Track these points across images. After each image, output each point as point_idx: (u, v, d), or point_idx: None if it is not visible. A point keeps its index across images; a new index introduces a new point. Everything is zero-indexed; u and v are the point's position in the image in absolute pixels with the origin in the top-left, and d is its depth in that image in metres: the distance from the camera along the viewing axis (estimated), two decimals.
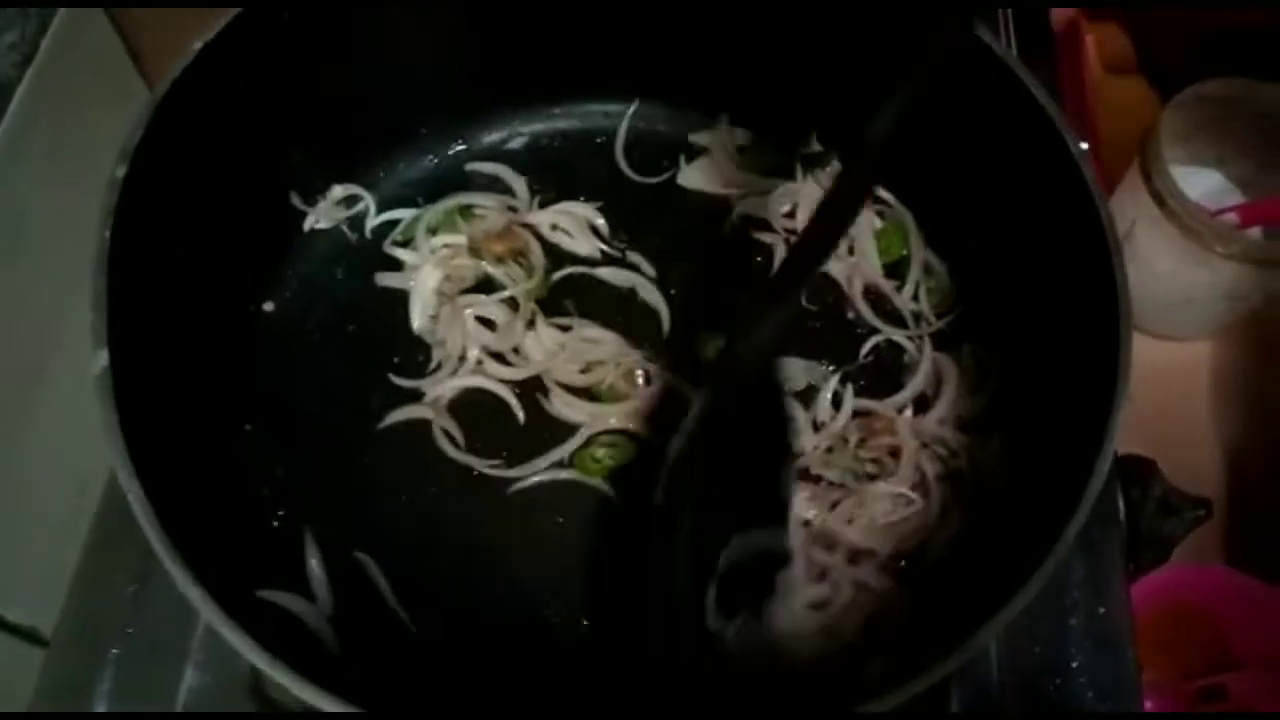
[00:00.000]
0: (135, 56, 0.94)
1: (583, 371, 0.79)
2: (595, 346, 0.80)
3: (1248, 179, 1.03)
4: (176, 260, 0.69)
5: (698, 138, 0.89)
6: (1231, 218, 0.97)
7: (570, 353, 0.79)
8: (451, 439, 0.77)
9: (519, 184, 0.87)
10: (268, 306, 0.82)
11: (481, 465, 0.76)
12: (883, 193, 0.85)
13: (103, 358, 0.58)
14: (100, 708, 0.71)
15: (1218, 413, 1.02)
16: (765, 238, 0.86)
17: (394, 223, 0.86)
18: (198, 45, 0.67)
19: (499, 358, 0.80)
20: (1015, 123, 0.70)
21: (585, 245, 0.85)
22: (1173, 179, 0.91)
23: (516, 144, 0.90)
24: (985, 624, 0.51)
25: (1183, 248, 0.93)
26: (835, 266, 0.83)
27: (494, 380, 0.79)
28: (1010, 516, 0.66)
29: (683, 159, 0.89)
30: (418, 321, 0.81)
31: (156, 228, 0.66)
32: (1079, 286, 0.65)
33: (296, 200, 0.84)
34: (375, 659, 0.70)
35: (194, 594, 0.55)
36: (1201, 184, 1.03)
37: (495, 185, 0.88)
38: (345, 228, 0.85)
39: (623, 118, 0.89)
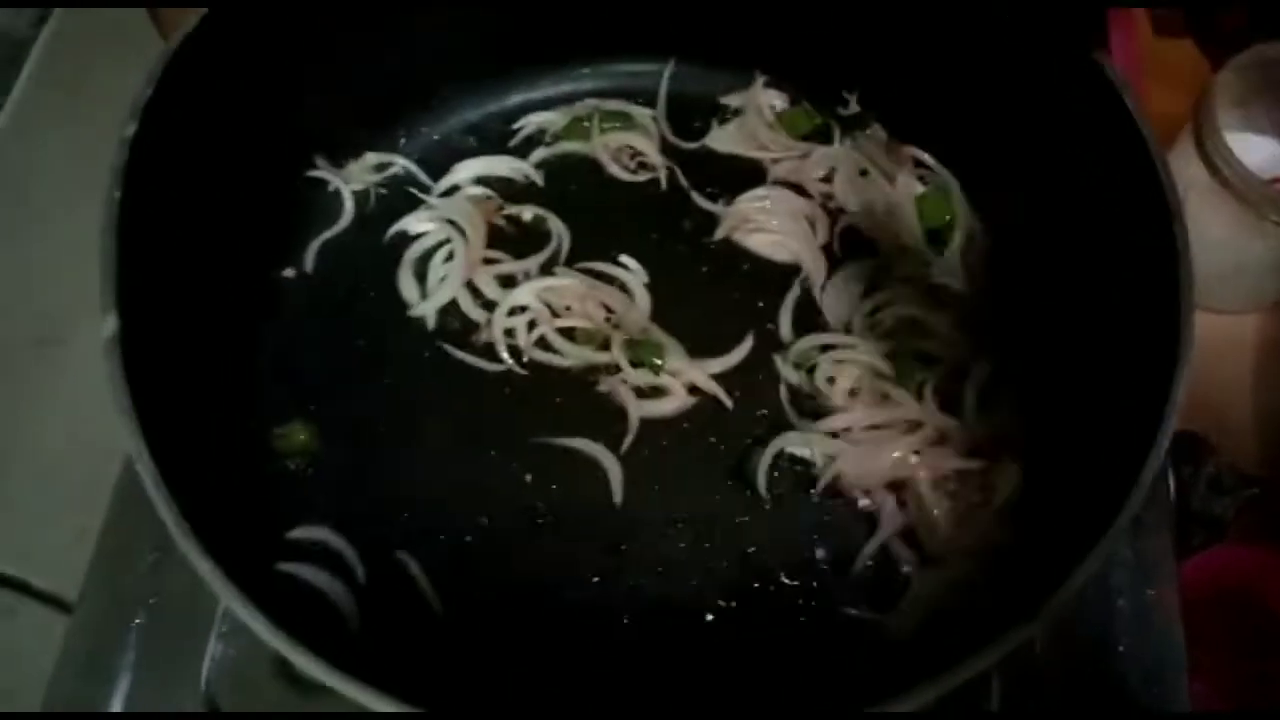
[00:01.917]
0: (153, 14, 0.92)
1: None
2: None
3: None
4: (191, 223, 0.68)
5: (730, 99, 0.86)
6: None
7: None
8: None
9: None
10: (288, 273, 0.80)
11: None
12: (925, 155, 0.83)
13: (112, 322, 0.56)
14: (123, 679, 0.70)
15: (1272, 388, 0.98)
16: (802, 205, 0.83)
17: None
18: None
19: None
20: (1068, 84, 0.67)
21: None
22: (1227, 146, 0.87)
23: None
24: (1032, 616, 0.49)
25: (1236, 217, 0.89)
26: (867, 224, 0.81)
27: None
28: (1062, 501, 0.63)
29: (714, 121, 0.86)
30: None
31: (169, 189, 0.64)
32: (1135, 255, 0.63)
33: (323, 164, 0.82)
34: (398, 638, 0.69)
35: (205, 568, 0.53)
36: (1257, 151, 0.98)
37: None
38: (372, 193, 0.84)
39: (659, 78, 0.87)
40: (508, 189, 0.84)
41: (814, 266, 0.80)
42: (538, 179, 0.85)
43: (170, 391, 0.60)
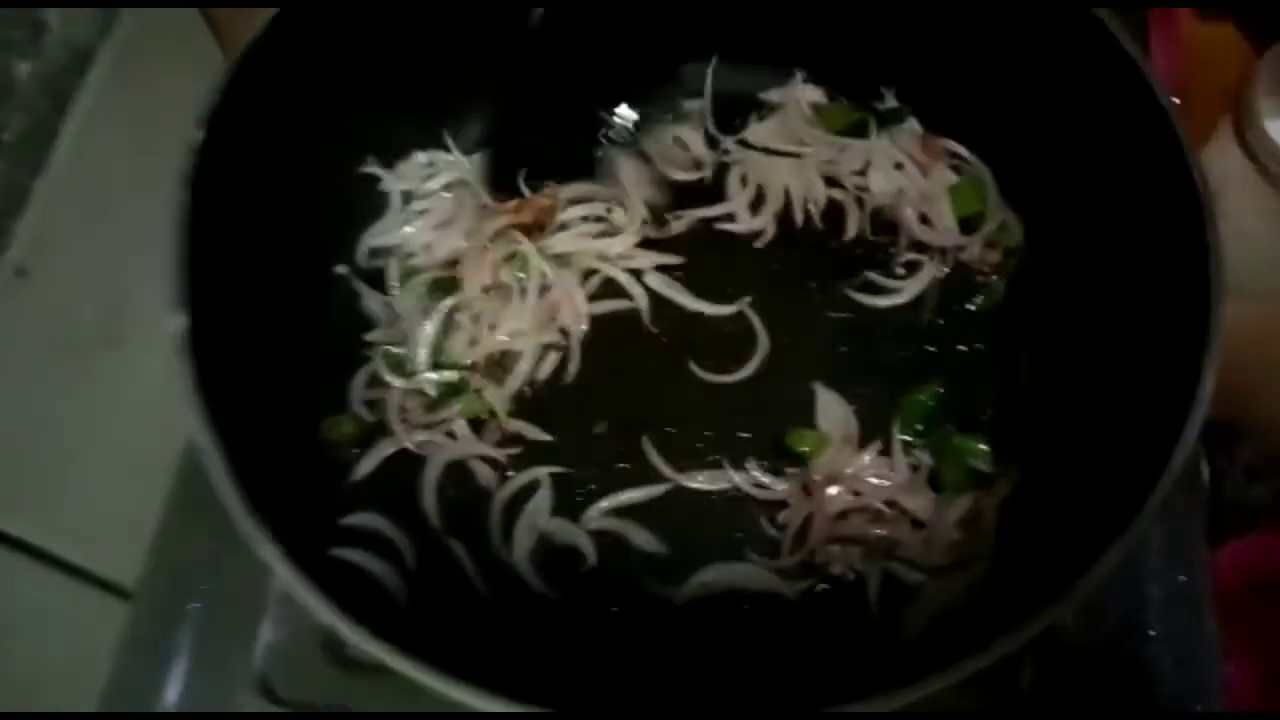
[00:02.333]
0: (211, 21, 0.95)
1: None
2: None
3: None
4: (250, 224, 0.70)
5: (769, 95, 0.88)
6: None
7: None
8: None
9: None
10: (340, 269, 0.83)
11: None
12: (959, 147, 0.83)
13: (180, 320, 0.59)
14: (180, 663, 0.73)
15: None
16: (835, 195, 0.84)
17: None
18: (272, 11, 0.67)
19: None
20: (1101, 75, 0.68)
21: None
22: (1268, 134, 0.87)
23: None
24: (1063, 596, 0.50)
25: (1274, 206, 0.89)
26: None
27: None
28: (1093, 484, 0.64)
29: (753, 118, 0.87)
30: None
31: (232, 192, 0.67)
32: (1166, 247, 0.63)
33: (374, 165, 0.84)
34: (447, 622, 0.71)
35: (269, 553, 0.56)
36: None
37: None
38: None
39: (701, 76, 0.88)
40: None
41: None
42: None
43: (232, 385, 0.63)
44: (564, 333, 0.80)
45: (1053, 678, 0.69)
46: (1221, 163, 0.91)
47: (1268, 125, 0.87)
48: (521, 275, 0.79)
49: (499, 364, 0.78)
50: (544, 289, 0.79)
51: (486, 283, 0.79)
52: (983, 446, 0.73)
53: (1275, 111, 0.92)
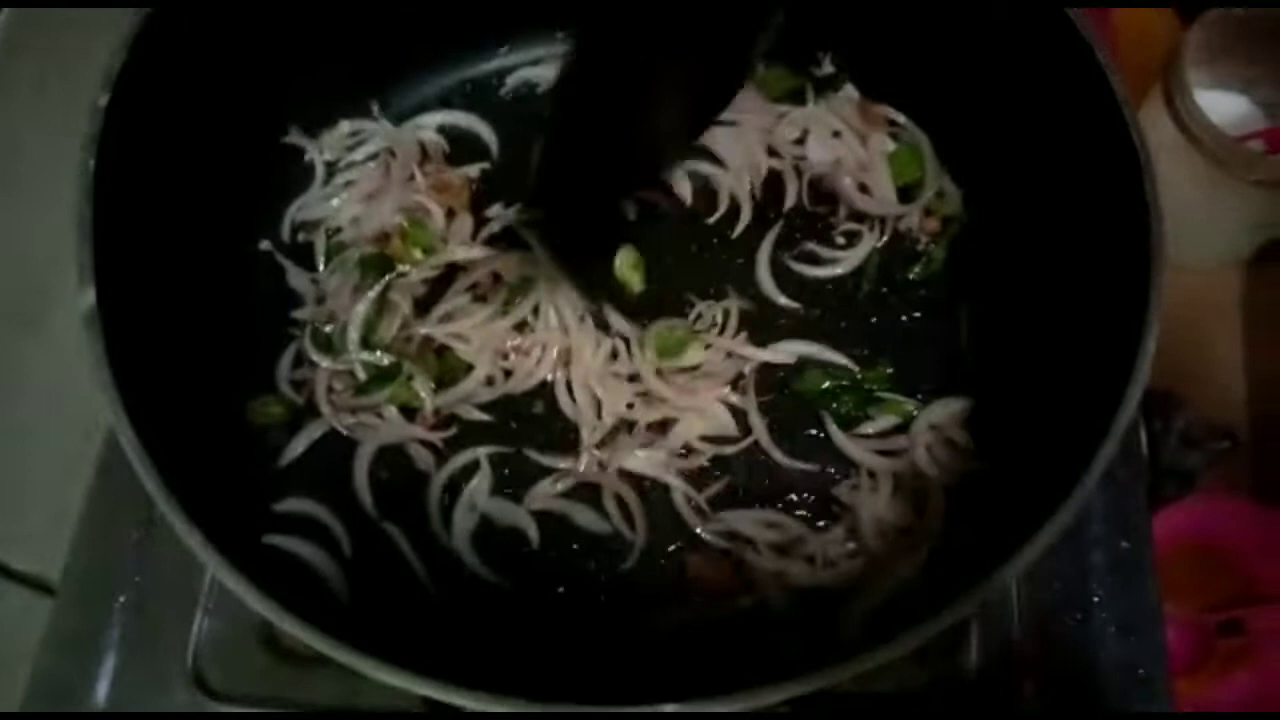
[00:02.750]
0: None
1: None
2: None
3: (1273, 102, 0.99)
4: (166, 193, 0.67)
5: None
6: (1258, 143, 0.94)
7: None
8: None
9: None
10: (263, 245, 0.80)
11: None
12: (896, 114, 0.83)
13: (90, 295, 0.56)
14: (109, 658, 0.70)
15: (1244, 342, 0.99)
16: (774, 164, 0.83)
17: None
18: None
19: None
20: (1038, 38, 0.67)
21: None
22: (1197, 104, 0.88)
23: (514, 80, 0.87)
24: (1007, 562, 0.50)
25: (1207, 175, 0.90)
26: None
27: None
28: (1034, 452, 0.64)
29: None
30: None
31: (143, 158, 0.64)
32: (1106, 209, 0.63)
33: (297, 134, 0.81)
34: (387, 610, 0.69)
35: (194, 540, 0.54)
36: (1226, 108, 0.99)
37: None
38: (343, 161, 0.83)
39: None
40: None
41: None
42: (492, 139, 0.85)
43: (149, 364, 0.60)
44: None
45: (999, 650, 0.69)
46: (1153, 134, 0.91)
47: (1198, 95, 0.88)
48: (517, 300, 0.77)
49: (432, 351, 0.76)
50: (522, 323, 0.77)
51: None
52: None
53: (1204, 82, 0.94)
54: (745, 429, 0.74)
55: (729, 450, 0.73)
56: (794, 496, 0.73)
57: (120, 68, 0.60)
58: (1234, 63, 0.97)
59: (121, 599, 0.72)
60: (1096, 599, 0.71)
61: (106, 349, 0.56)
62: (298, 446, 0.74)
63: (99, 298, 0.57)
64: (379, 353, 0.74)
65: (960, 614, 0.50)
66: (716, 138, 0.83)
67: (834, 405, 0.75)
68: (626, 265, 0.79)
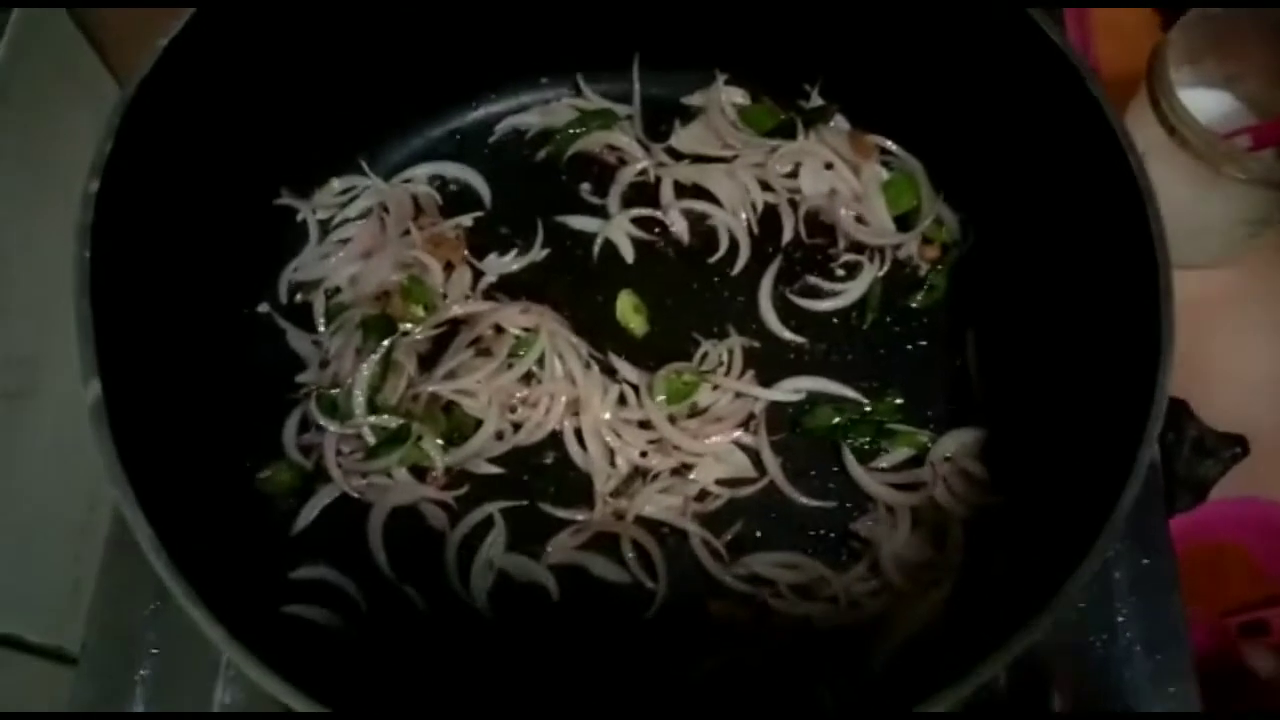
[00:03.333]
0: (102, 54, 0.90)
1: None
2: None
3: (1258, 97, 1.00)
4: (162, 269, 0.66)
5: (692, 99, 0.86)
6: (1243, 140, 0.94)
7: None
8: None
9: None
10: (261, 309, 0.79)
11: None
12: (888, 143, 0.83)
13: (95, 387, 0.55)
14: None
15: (1245, 341, 0.99)
16: (769, 199, 0.83)
17: None
18: (163, 42, 0.63)
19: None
20: (1023, 59, 0.67)
21: None
22: (1182, 104, 0.88)
23: (502, 128, 0.87)
24: (1047, 605, 0.49)
25: (1195, 174, 0.90)
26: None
27: None
28: (1052, 485, 0.64)
29: (677, 123, 0.85)
30: None
31: (138, 238, 0.63)
32: (1105, 225, 0.63)
33: (288, 196, 0.81)
34: (409, 673, 0.69)
35: (203, 621, 0.52)
36: (1210, 105, 0.99)
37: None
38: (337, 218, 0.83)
39: (623, 82, 0.85)
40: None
41: None
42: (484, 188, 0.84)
43: (156, 446, 0.59)
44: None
45: (1027, 672, 0.69)
46: (1141, 137, 0.91)
47: (1182, 94, 0.88)
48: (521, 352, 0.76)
49: (440, 408, 0.75)
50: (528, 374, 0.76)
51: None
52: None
53: (1189, 81, 0.94)
54: (759, 469, 0.74)
55: (745, 492, 0.73)
56: (812, 534, 0.73)
57: (108, 153, 0.59)
58: (1216, 60, 0.97)
59: (142, 671, 0.71)
60: (1121, 618, 0.71)
61: (115, 440, 0.55)
62: (310, 513, 0.73)
63: (104, 387, 0.55)
64: (387, 415, 0.74)
65: (995, 668, 0.49)
66: (709, 175, 0.83)
67: (848, 439, 0.74)
68: (628, 309, 0.79)
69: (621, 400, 0.76)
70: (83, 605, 0.73)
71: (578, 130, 0.84)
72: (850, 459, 0.73)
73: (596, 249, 0.82)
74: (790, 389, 0.76)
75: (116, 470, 0.54)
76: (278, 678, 0.51)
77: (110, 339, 0.57)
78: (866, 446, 0.74)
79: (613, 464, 0.74)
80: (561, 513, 0.73)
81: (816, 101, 0.84)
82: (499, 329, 0.77)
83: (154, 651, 0.71)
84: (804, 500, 0.73)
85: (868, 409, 0.75)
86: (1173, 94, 0.88)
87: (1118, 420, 0.56)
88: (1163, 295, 0.55)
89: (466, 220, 0.82)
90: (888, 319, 0.79)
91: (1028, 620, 0.50)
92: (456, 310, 0.78)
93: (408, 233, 0.80)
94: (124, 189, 0.60)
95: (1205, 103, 0.98)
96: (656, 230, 0.83)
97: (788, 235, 0.82)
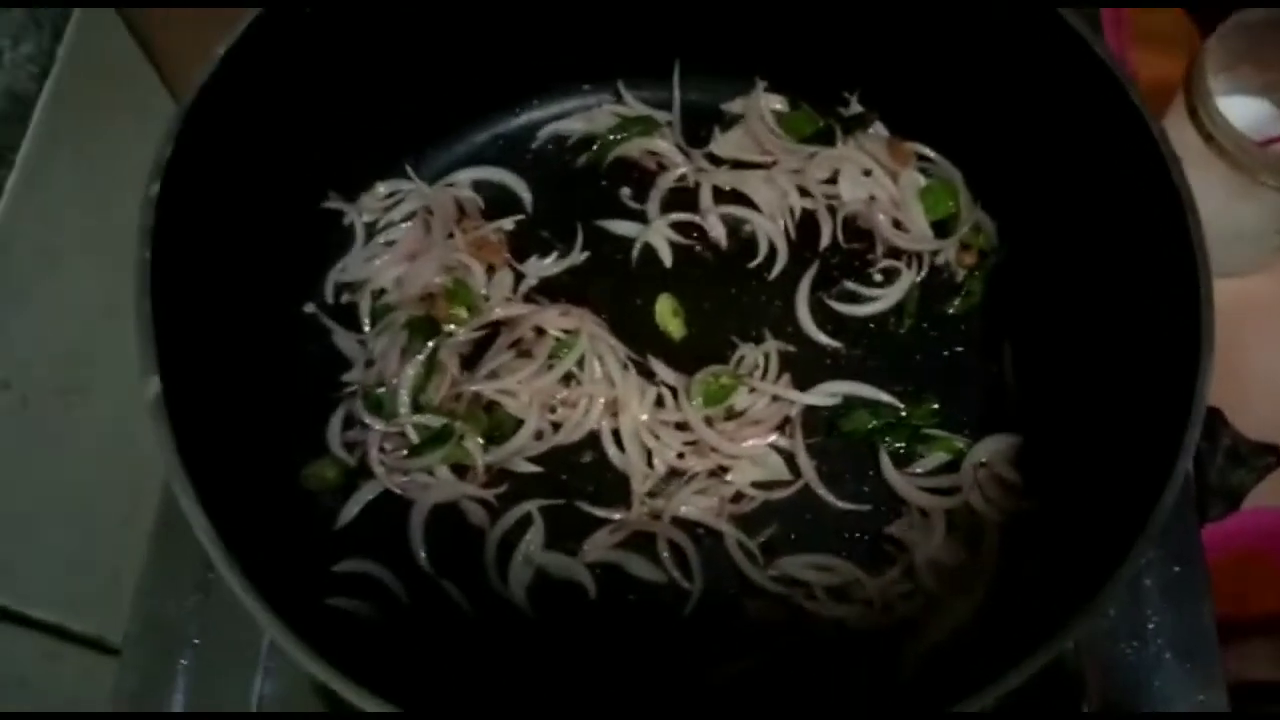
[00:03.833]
0: (155, 62, 0.92)
1: None
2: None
3: None
4: (216, 270, 0.68)
5: (731, 105, 0.87)
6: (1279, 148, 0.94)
7: None
8: None
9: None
10: (309, 309, 0.81)
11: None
12: (926, 150, 0.83)
13: (154, 384, 0.56)
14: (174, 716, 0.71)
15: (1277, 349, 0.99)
16: (807, 204, 0.83)
17: None
18: (220, 51, 0.64)
19: None
20: (1062, 67, 0.67)
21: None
22: (1220, 113, 0.88)
23: (544, 134, 0.88)
24: (1082, 610, 0.50)
25: (1230, 181, 0.89)
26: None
27: None
28: (1087, 492, 0.64)
29: (717, 130, 0.86)
30: None
31: (194, 241, 0.64)
32: (1145, 234, 0.64)
33: (335, 199, 0.82)
34: (448, 666, 0.70)
35: (255, 606, 0.54)
36: (1247, 113, 0.99)
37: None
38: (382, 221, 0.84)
39: (663, 89, 0.86)
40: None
41: None
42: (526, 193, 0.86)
43: (210, 442, 0.60)
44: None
45: (1057, 679, 0.69)
46: (1176, 143, 0.91)
47: (1220, 102, 0.88)
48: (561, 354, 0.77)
49: (481, 407, 0.76)
50: (568, 376, 0.77)
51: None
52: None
53: (1227, 89, 0.94)
54: (795, 472, 0.75)
55: (780, 495, 0.74)
56: (846, 537, 0.73)
57: (168, 158, 0.60)
58: (1254, 67, 0.96)
59: (183, 661, 0.72)
60: (1151, 626, 0.71)
61: (173, 435, 0.56)
62: (353, 508, 0.74)
63: (164, 385, 0.57)
64: (430, 415, 0.75)
65: (1028, 672, 0.50)
66: (748, 180, 0.84)
67: (885, 442, 0.75)
68: (666, 313, 0.80)
69: (659, 402, 0.76)
70: (124, 597, 0.75)
71: (619, 136, 0.85)
72: (886, 462, 0.74)
73: (636, 253, 0.83)
74: (826, 393, 0.77)
75: (175, 465, 0.55)
76: (331, 667, 0.53)
77: (167, 338, 0.58)
78: (902, 451, 0.75)
79: (650, 465, 0.75)
80: (599, 512, 0.74)
81: (855, 108, 0.85)
82: (540, 331, 0.78)
83: (195, 643, 0.73)
84: (838, 503, 0.74)
85: (903, 414, 0.76)
86: (1211, 102, 0.88)
87: (1154, 428, 0.56)
88: (1203, 304, 0.55)
89: (508, 224, 0.83)
90: (924, 325, 0.80)
91: (1062, 626, 0.50)
92: (498, 312, 0.79)
93: (451, 236, 0.81)
94: (182, 193, 0.62)
95: (1242, 110, 0.97)
96: (695, 235, 0.83)
97: (825, 241, 0.82)
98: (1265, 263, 1.01)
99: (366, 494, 0.75)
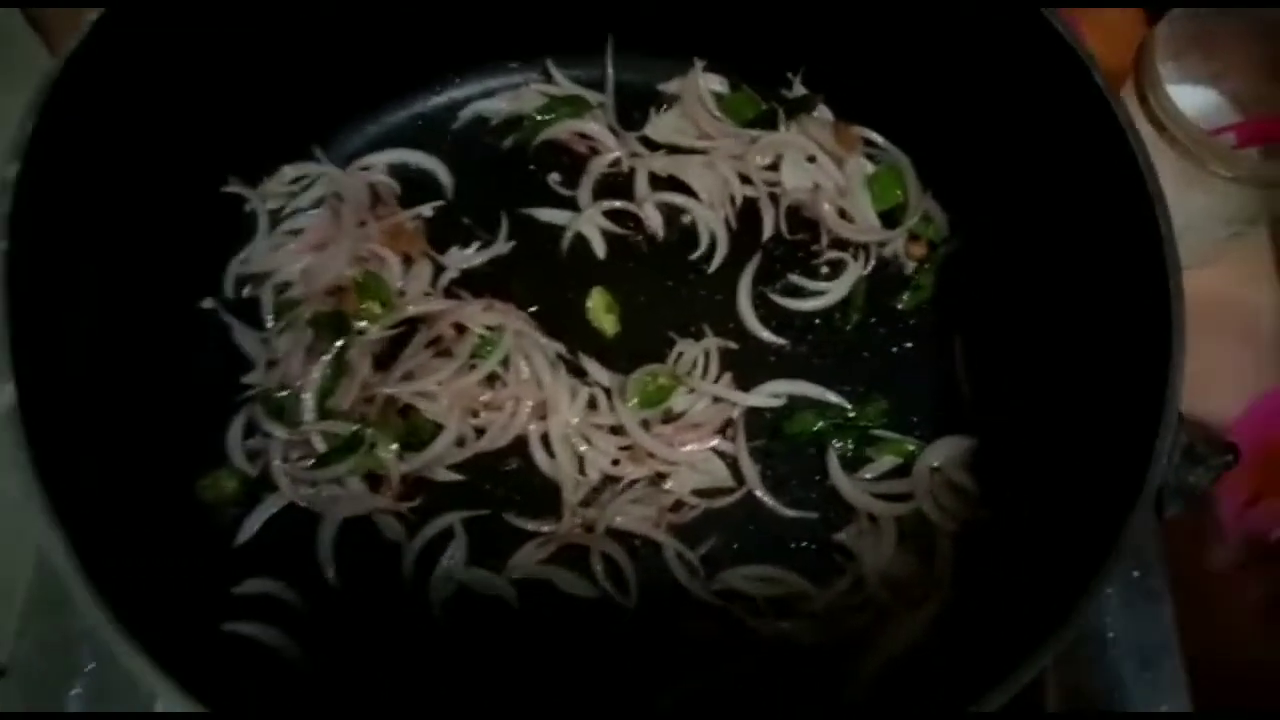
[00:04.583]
0: (40, 28, 0.84)
1: None
2: None
3: (1242, 95, 0.98)
4: (94, 260, 0.62)
5: (668, 86, 0.82)
6: (1228, 137, 0.93)
7: None
8: None
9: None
10: (206, 304, 0.75)
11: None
12: (873, 134, 0.80)
13: (8, 392, 0.50)
14: None
15: (1229, 342, 0.97)
16: (748, 192, 0.80)
17: None
18: (93, 16, 0.58)
19: None
20: (1017, 45, 0.65)
21: None
22: (1170, 99, 0.86)
23: (466, 114, 0.82)
24: (1058, 627, 0.46)
25: (1179, 171, 0.88)
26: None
27: None
28: (1046, 502, 0.61)
29: (652, 111, 0.82)
30: None
31: (66, 227, 0.58)
32: (1106, 226, 0.60)
33: (236, 184, 0.76)
34: (361, 693, 0.65)
35: (134, 663, 0.49)
36: (1194, 103, 0.98)
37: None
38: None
39: (594, 68, 0.82)
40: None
41: None
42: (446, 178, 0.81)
43: (82, 452, 0.55)
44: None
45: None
46: None
47: (1170, 89, 0.86)
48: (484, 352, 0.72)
49: (396, 411, 0.71)
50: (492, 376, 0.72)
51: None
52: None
53: (1176, 76, 0.92)
54: (737, 478, 0.71)
55: (722, 502, 0.70)
56: (792, 546, 0.70)
57: (30, 133, 0.54)
58: (1201, 56, 0.95)
59: (75, 690, 0.66)
60: (1112, 634, 0.68)
61: (31, 451, 0.50)
62: (254, 523, 0.69)
63: (20, 394, 0.50)
64: (338, 421, 0.70)
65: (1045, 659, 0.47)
66: (686, 166, 0.79)
67: (833, 445, 0.71)
68: (599, 307, 0.75)
69: (592, 404, 0.72)
70: (13, 615, 0.68)
71: (547, 117, 0.81)
72: (835, 465, 0.71)
73: (566, 243, 0.78)
74: (770, 393, 0.73)
75: (32, 483, 0.49)
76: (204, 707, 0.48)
77: (29, 338, 0.53)
78: (851, 454, 0.72)
79: (582, 472, 0.71)
80: (527, 524, 0.69)
81: (799, 90, 0.81)
82: (461, 328, 0.73)
83: (89, 668, 0.66)
84: (784, 511, 0.70)
85: (851, 414, 0.73)
86: (1161, 89, 0.86)
87: (1121, 432, 0.53)
88: (1173, 298, 0.52)
89: (427, 210, 0.78)
90: (872, 320, 0.77)
91: (1040, 643, 0.47)
92: (415, 308, 0.74)
93: (364, 224, 0.76)
94: (49, 174, 0.56)
95: (1189, 100, 0.96)
96: (630, 224, 0.79)
97: (768, 231, 0.79)
98: (1212, 256, 1.00)
99: (270, 507, 0.69)
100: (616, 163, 0.80)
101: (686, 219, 0.79)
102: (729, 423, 0.72)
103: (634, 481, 0.70)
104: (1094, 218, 0.63)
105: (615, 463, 0.70)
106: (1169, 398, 0.51)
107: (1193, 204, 0.90)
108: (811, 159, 0.79)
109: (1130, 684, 0.67)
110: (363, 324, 0.73)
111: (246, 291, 0.76)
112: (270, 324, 0.74)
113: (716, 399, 0.72)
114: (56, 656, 0.66)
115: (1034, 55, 0.64)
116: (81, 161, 0.59)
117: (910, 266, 0.78)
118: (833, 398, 0.73)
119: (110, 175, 0.62)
